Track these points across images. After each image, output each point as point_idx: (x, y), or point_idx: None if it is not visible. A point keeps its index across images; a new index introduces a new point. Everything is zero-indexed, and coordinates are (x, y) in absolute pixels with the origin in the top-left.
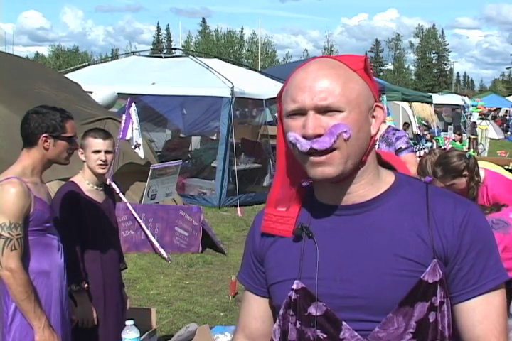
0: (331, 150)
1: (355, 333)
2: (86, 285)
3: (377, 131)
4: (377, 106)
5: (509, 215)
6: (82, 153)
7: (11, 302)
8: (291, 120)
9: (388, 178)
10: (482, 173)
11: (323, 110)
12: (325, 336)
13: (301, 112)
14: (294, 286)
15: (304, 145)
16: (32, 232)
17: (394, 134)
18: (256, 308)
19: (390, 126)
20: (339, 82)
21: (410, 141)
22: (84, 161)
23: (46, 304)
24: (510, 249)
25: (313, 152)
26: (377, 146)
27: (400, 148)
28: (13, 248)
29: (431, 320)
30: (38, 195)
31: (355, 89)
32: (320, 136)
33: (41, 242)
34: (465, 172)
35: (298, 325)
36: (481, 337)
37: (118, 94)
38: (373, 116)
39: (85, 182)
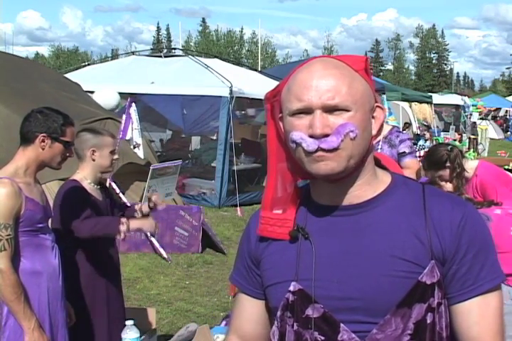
0: (336, 149)
1: (353, 335)
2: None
3: (378, 132)
4: (377, 106)
5: (494, 211)
6: (94, 152)
7: (4, 303)
8: (295, 119)
9: (385, 178)
10: (475, 164)
11: (331, 109)
12: (323, 338)
13: (307, 111)
14: (291, 288)
15: (311, 144)
16: (23, 233)
17: (397, 136)
18: (249, 310)
19: (393, 128)
20: (345, 81)
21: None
22: (93, 160)
23: (39, 304)
24: None
25: (318, 151)
26: (379, 147)
27: (404, 152)
28: (3, 248)
29: (428, 321)
30: (30, 196)
31: (359, 89)
32: (327, 135)
33: (33, 243)
34: (447, 164)
35: (295, 327)
36: (477, 338)
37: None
38: (373, 117)
39: (87, 181)
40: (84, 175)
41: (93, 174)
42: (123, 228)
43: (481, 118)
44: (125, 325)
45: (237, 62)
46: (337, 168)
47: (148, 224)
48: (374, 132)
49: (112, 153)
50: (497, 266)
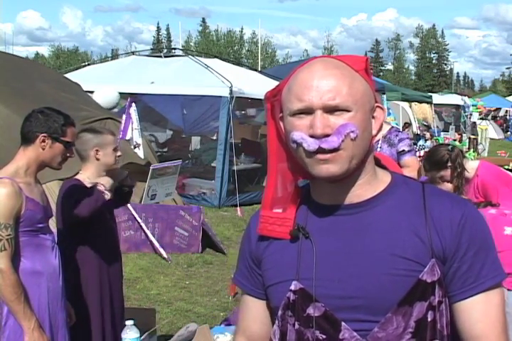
0: (337, 149)
1: (355, 333)
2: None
3: (378, 132)
4: (377, 106)
5: (488, 211)
6: (98, 152)
7: (4, 303)
8: (296, 119)
9: (385, 178)
10: (476, 164)
11: (331, 109)
12: (324, 337)
13: (308, 111)
14: (292, 287)
15: (312, 144)
16: (23, 233)
17: (396, 136)
18: (255, 311)
19: (393, 127)
20: (345, 81)
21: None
22: (98, 159)
23: (39, 304)
24: None
25: (319, 151)
26: (379, 146)
27: (403, 150)
28: (3, 248)
29: (429, 320)
30: (30, 196)
31: (359, 90)
32: (328, 135)
33: (33, 243)
34: (449, 164)
35: (297, 326)
36: (480, 336)
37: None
38: (373, 117)
39: (89, 181)
40: (88, 175)
41: (97, 173)
42: (101, 188)
43: (481, 118)
44: (125, 325)
45: (237, 62)
46: (339, 171)
47: (112, 176)
48: (374, 132)
49: (115, 150)
50: (498, 263)
